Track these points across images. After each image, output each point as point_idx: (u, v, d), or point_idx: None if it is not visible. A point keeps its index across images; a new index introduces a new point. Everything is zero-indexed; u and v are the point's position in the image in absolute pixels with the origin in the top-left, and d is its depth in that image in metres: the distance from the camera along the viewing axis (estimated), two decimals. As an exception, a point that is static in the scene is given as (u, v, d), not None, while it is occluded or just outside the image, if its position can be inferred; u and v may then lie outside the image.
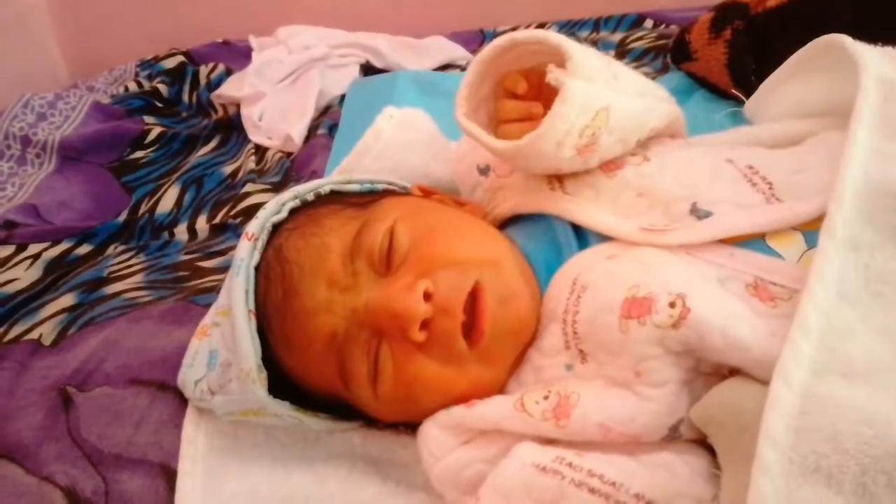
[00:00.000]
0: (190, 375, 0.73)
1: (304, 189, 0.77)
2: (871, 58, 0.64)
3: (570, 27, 1.96)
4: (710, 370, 0.56)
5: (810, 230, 0.59)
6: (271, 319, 0.67)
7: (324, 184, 0.79)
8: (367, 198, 0.74)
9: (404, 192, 0.82)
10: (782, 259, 0.59)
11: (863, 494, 0.42)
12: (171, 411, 0.76)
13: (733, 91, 1.29)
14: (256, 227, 0.71)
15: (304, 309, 0.64)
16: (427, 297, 0.60)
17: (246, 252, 0.69)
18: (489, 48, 0.68)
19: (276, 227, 0.72)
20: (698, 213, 0.63)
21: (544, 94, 0.66)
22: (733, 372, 0.55)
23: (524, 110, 0.67)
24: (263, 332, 0.67)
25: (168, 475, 0.70)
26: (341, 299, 0.63)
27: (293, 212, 0.74)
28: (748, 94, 1.27)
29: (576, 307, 0.61)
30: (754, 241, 0.60)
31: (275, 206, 0.74)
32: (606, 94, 0.65)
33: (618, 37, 1.79)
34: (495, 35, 2.00)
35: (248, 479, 0.69)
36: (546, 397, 0.59)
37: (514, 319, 0.63)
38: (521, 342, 0.64)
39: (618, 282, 0.59)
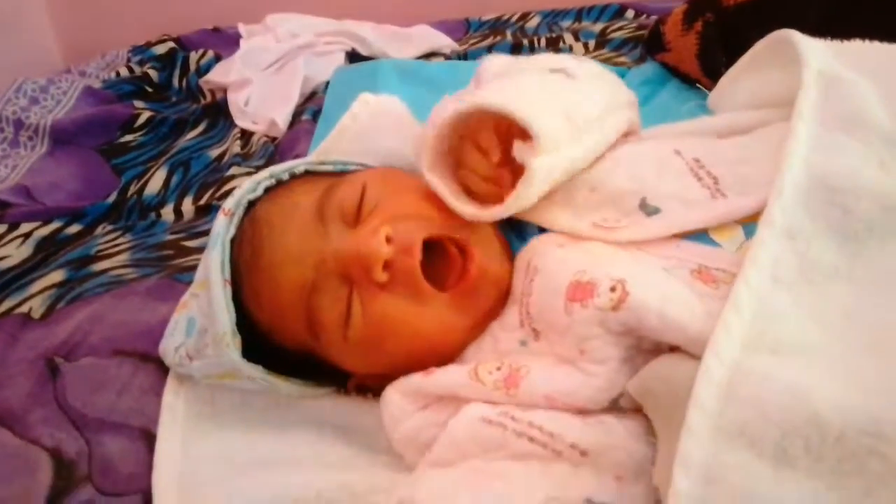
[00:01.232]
0: (170, 343, 0.77)
1: (280, 169, 0.81)
2: (816, 53, 0.68)
3: (552, 17, 2.00)
4: (651, 348, 0.60)
5: (750, 223, 0.62)
6: (243, 278, 0.71)
7: (298, 164, 0.83)
8: (339, 176, 0.77)
9: None
10: (723, 249, 0.63)
11: (782, 457, 0.45)
12: (152, 380, 0.80)
13: (700, 82, 1.33)
14: (233, 203, 0.75)
15: (273, 262, 0.69)
16: (389, 240, 0.65)
17: (222, 226, 0.73)
18: (454, 112, 0.68)
19: (252, 204, 0.76)
20: (647, 208, 0.67)
21: (510, 145, 0.68)
22: (673, 349, 0.58)
23: (492, 174, 0.70)
24: (239, 301, 0.71)
25: (148, 439, 0.73)
26: (310, 249, 0.68)
27: (268, 190, 0.78)
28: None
29: (529, 290, 0.65)
30: (698, 234, 0.64)
31: (251, 185, 0.78)
32: (570, 153, 0.68)
33: (599, 27, 1.83)
34: (480, 25, 2.04)
35: (224, 443, 0.72)
36: (499, 368, 0.63)
37: (496, 273, 0.68)
38: (497, 294, 0.69)
39: (565, 268, 0.63)
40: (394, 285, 0.66)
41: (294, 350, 0.72)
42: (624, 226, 0.67)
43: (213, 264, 0.71)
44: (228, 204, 0.75)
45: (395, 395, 0.68)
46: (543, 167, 0.65)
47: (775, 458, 0.45)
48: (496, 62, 0.86)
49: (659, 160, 0.71)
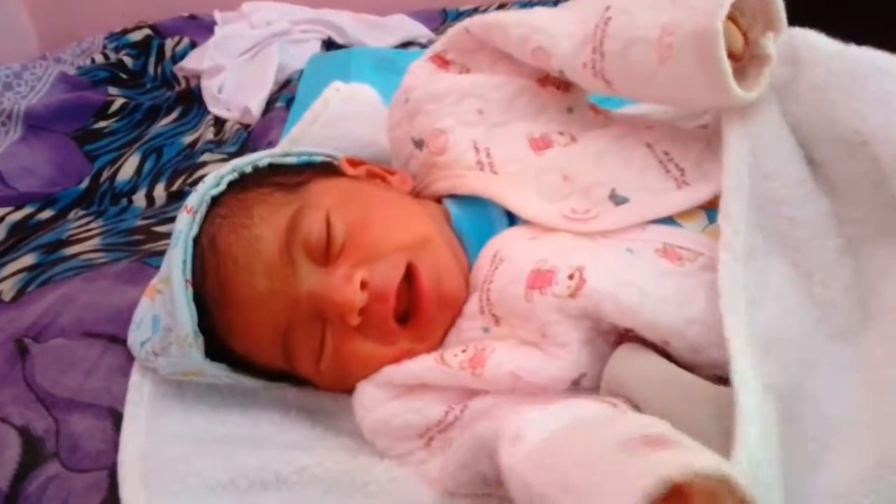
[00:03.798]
0: (136, 337, 0.78)
1: (243, 162, 0.80)
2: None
3: (530, 6, 2.00)
4: (609, 329, 0.62)
5: (711, 208, 0.65)
6: (210, 308, 0.70)
7: (262, 157, 0.82)
8: (296, 178, 0.76)
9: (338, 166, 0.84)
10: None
11: None
12: (120, 362, 0.80)
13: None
14: (196, 200, 0.74)
15: (244, 300, 0.69)
16: (363, 285, 0.66)
17: (185, 224, 0.72)
18: None
19: (215, 200, 0.75)
20: (616, 198, 0.69)
21: None
22: (628, 330, 0.61)
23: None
24: (201, 301, 0.71)
25: (115, 417, 0.74)
26: (282, 289, 0.68)
27: (231, 184, 0.77)
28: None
29: (491, 277, 0.67)
30: (664, 219, 0.67)
31: (213, 180, 0.76)
32: None
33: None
34: (458, 15, 2.05)
35: (189, 422, 0.73)
36: (464, 350, 0.65)
37: (449, 295, 0.69)
38: (453, 316, 0.70)
39: (528, 256, 0.66)
40: (366, 328, 0.67)
41: (267, 368, 0.74)
42: (593, 216, 0.68)
43: (175, 264, 0.71)
44: (191, 201, 0.74)
45: (369, 386, 0.69)
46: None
47: None
48: None
49: (630, 152, 0.72)
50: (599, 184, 0.70)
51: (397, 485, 0.63)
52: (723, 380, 0.54)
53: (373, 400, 0.69)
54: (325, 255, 0.68)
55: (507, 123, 0.77)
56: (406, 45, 1.87)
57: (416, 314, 0.68)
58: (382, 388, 0.69)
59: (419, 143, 0.82)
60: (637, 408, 0.57)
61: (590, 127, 0.78)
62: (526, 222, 0.71)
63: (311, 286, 0.68)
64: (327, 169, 0.82)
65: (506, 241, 0.70)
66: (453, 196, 0.78)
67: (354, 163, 0.83)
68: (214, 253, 0.70)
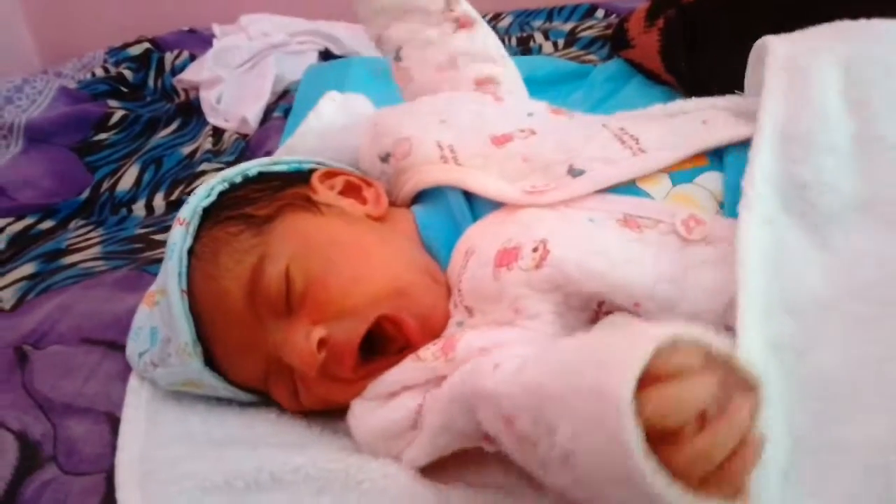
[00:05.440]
0: (135, 347, 0.79)
1: (233, 173, 0.81)
2: (781, 48, 0.70)
3: (525, 16, 2.03)
4: (578, 304, 0.63)
5: (676, 171, 0.68)
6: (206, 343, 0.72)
7: (251, 166, 0.82)
8: (269, 205, 0.75)
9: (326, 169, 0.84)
10: (652, 198, 0.67)
11: None
12: (119, 368, 0.81)
13: (663, 78, 1.36)
14: (188, 212, 0.75)
15: (228, 348, 0.71)
16: (322, 343, 0.66)
17: (178, 237, 0.73)
18: None
19: (207, 212, 0.76)
20: (574, 172, 0.71)
21: None
22: (601, 304, 0.62)
23: None
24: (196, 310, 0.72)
25: (113, 422, 0.75)
26: (252, 341, 0.70)
27: (221, 194, 0.77)
28: (679, 80, 1.35)
29: (464, 270, 0.68)
30: (627, 186, 0.68)
31: (204, 191, 0.77)
32: None
33: (569, 26, 1.86)
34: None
35: (186, 423, 0.74)
36: (436, 343, 0.66)
37: (437, 325, 0.70)
38: (442, 330, 0.71)
39: (495, 240, 0.67)
40: (330, 378, 0.68)
41: None
42: (552, 188, 0.70)
43: (171, 276, 0.72)
44: (183, 213, 0.75)
45: (358, 401, 0.70)
46: None
47: None
48: None
49: (586, 131, 0.75)
50: (558, 161, 0.72)
51: (392, 482, 0.63)
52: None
53: (363, 412, 0.69)
54: (287, 307, 0.68)
55: (469, 129, 0.79)
56: (403, 55, 1.88)
57: (408, 347, 0.68)
58: (371, 400, 0.69)
59: (385, 158, 0.83)
60: None
61: (550, 122, 0.81)
62: (491, 210, 0.72)
63: (273, 341, 0.69)
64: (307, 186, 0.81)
65: (475, 234, 0.71)
66: (420, 196, 0.80)
67: (331, 174, 0.82)
68: (193, 301, 0.71)
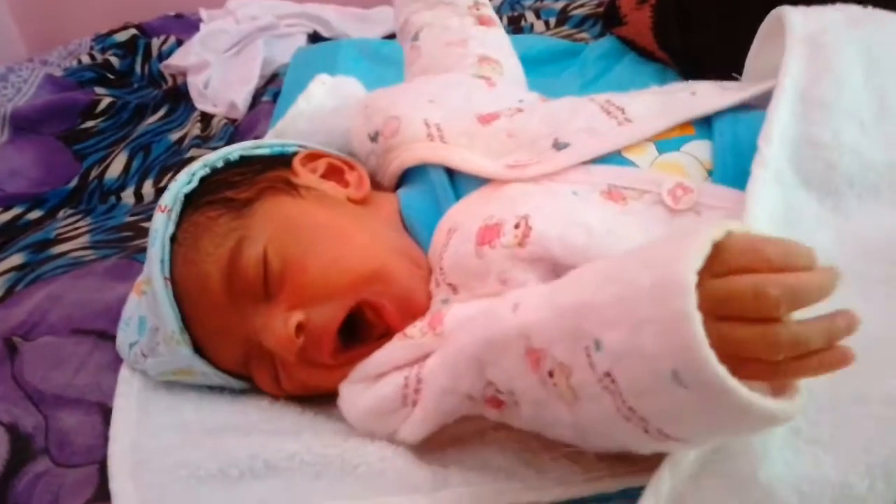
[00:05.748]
0: (125, 338, 0.78)
1: (214, 157, 0.80)
2: (802, 22, 0.70)
3: (517, 4, 2.01)
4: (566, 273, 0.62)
5: (662, 139, 0.67)
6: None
7: (233, 150, 0.81)
8: (249, 189, 0.74)
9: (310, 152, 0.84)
10: (637, 167, 0.67)
11: None
12: (109, 358, 0.81)
13: (657, 55, 1.35)
14: (170, 199, 0.74)
15: (209, 332, 0.71)
16: (300, 328, 0.65)
17: (161, 223, 0.73)
18: None
19: (189, 197, 0.75)
20: (559, 145, 0.70)
21: None
22: None
23: None
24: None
25: (104, 412, 0.74)
26: (231, 326, 0.69)
27: (203, 179, 0.76)
28: (672, 57, 1.33)
29: (446, 248, 0.68)
30: (612, 156, 0.68)
31: (186, 177, 0.76)
32: None
33: (560, 4, 1.84)
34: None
35: (178, 412, 0.73)
36: (422, 320, 0.65)
37: (418, 308, 0.69)
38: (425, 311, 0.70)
39: (477, 217, 0.66)
40: (310, 364, 0.68)
41: None
42: (536, 162, 0.69)
43: (154, 263, 0.71)
44: (165, 200, 0.74)
45: (347, 384, 0.69)
46: None
47: None
48: None
49: (572, 106, 0.75)
50: (543, 135, 0.72)
51: (389, 465, 0.63)
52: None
53: (353, 395, 0.68)
54: (265, 291, 0.68)
55: (457, 109, 0.79)
56: (391, 37, 1.85)
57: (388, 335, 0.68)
58: (360, 382, 0.68)
59: (374, 137, 0.82)
60: None
61: (537, 101, 0.81)
62: (474, 188, 0.72)
63: (252, 326, 0.68)
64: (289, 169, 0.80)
65: (458, 212, 0.71)
66: (406, 176, 0.80)
67: (314, 156, 0.82)
68: (176, 289, 0.71)
